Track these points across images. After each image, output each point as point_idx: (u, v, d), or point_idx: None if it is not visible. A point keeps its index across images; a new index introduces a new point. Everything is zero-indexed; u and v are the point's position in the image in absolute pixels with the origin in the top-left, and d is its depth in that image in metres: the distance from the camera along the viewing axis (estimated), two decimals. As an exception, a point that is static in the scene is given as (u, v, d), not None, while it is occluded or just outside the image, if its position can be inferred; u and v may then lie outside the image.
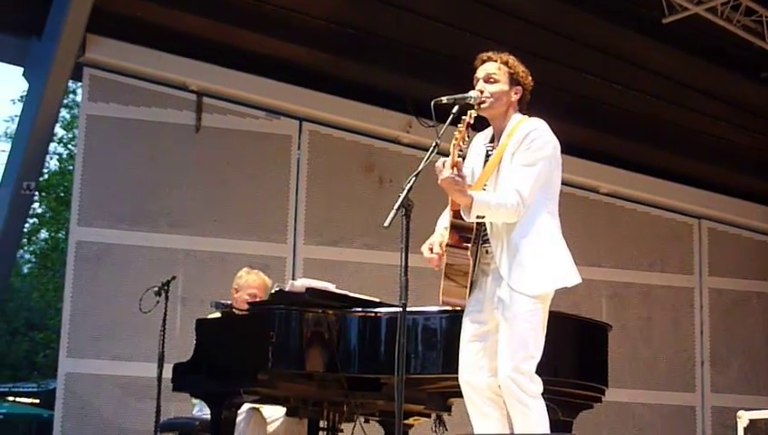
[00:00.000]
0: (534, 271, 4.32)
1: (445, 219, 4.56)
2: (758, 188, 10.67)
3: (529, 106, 4.58)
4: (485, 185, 4.44)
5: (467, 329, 4.46)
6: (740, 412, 5.31)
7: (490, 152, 4.51)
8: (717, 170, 10.48)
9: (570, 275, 4.42)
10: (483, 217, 4.30)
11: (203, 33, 8.89)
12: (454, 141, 4.24)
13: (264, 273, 6.80)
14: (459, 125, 4.25)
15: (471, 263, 4.41)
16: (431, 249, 4.50)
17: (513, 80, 4.51)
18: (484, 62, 4.54)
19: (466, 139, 4.28)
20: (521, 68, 4.54)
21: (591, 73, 9.39)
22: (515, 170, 4.35)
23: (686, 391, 10.08)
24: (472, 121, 4.29)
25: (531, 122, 4.46)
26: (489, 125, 4.59)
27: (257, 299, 6.41)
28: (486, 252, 4.44)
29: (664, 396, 9.97)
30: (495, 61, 4.52)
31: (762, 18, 8.65)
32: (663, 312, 10.20)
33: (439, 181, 4.23)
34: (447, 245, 4.43)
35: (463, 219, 4.37)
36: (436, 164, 4.23)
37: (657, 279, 10.22)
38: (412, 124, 9.36)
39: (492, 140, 4.56)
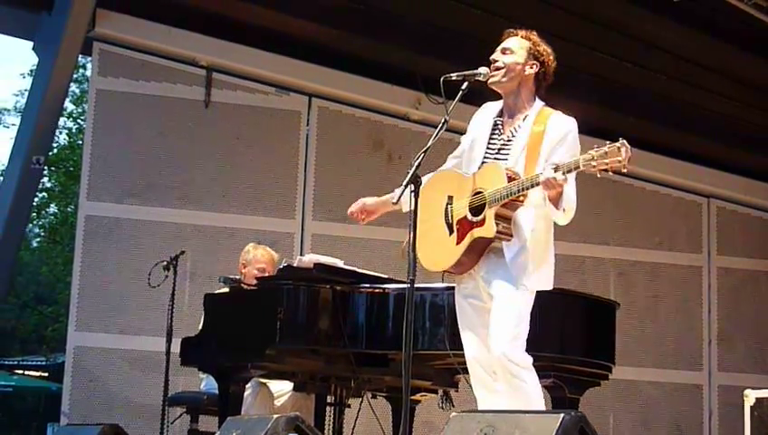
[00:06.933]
0: (535, 270, 4.33)
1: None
2: (768, 167, 10.64)
3: (547, 90, 4.52)
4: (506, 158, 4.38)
5: (465, 306, 4.51)
6: (747, 391, 5.31)
7: (500, 126, 4.48)
8: (727, 149, 10.42)
9: (551, 280, 4.45)
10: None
11: (213, 8, 8.86)
12: None
13: (272, 248, 6.83)
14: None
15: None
16: None
17: (531, 54, 4.45)
18: (508, 36, 4.52)
19: None
20: (543, 46, 4.49)
21: (602, 52, 9.32)
22: None
23: (693, 369, 10.07)
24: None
25: (568, 121, 4.40)
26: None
27: (266, 274, 6.43)
28: None
29: (671, 374, 9.97)
30: (518, 35, 4.50)
31: (774, -3, 8.58)
32: (671, 290, 10.19)
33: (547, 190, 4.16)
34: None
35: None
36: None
37: (665, 258, 10.19)
38: (421, 101, 9.33)
39: (501, 115, 4.52)
